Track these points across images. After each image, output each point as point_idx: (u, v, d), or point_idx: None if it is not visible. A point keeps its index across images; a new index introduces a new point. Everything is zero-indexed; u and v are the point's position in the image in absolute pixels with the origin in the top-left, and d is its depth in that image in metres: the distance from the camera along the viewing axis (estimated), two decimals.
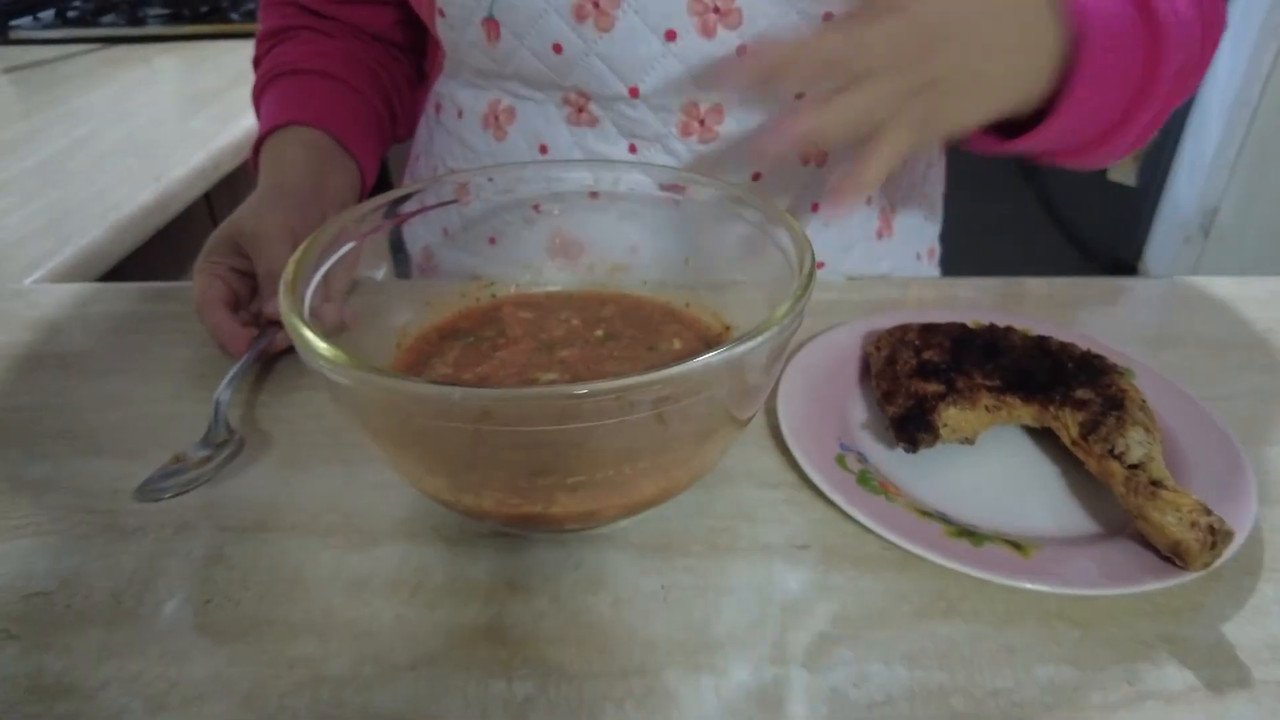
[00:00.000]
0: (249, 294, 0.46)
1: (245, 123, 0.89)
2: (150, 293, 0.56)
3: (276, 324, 0.44)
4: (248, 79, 1.04)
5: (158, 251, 0.76)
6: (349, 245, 0.35)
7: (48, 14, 1.33)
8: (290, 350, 0.47)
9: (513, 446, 0.28)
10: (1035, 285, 0.54)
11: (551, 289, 0.44)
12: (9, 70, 1.14)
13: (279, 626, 0.31)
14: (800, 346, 0.44)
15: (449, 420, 0.26)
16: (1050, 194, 2.35)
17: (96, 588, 0.33)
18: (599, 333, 0.40)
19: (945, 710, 0.28)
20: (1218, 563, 0.31)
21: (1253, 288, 0.54)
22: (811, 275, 0.31)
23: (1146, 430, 0.35)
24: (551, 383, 0.36)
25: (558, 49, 0.49)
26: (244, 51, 1.18)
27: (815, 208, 0.55)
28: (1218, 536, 0.30)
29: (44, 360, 0.48)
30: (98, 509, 0.37)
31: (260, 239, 0.44)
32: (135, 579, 0.33)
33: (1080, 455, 0.35)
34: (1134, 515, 0.32)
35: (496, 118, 0.55)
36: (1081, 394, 0.36)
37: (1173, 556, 0.31)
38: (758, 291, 0.37)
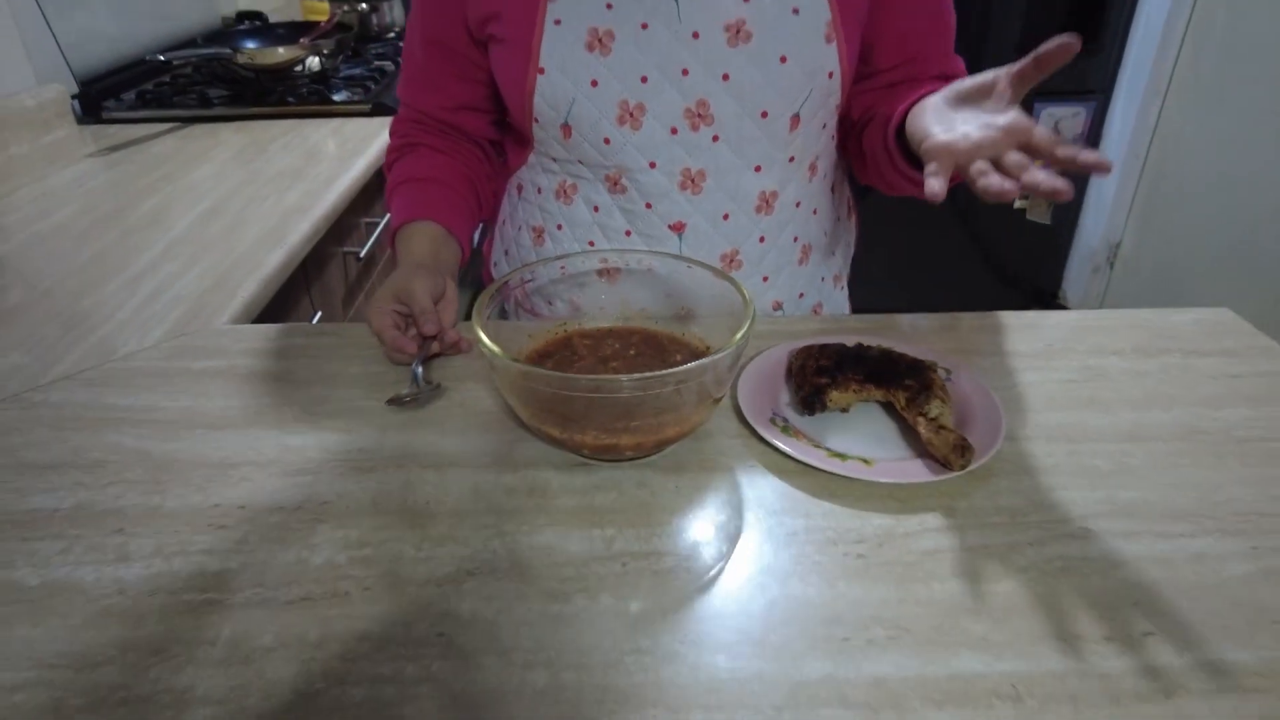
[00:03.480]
0: (405, 325, 0.73)
1: (330, 197, 1.16)
2: (313, 330, 0.82)
3: (429, 339, 0.71)
4: (320, 157, 1.31)
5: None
6: (498, 302, 0.63)
7: (129, 96, 1.59)
8: (434, 356, 0.74)
9: (605, 406, 0.55)
10: (900, 319, 0.83)
11: (600, 325, 0.71)
12: (105, 151, 1.39)
13: (473, 514, 0.57)
14: (751, 358, 0.72)
15: (575, 392, 0.54)
16: (980, 234, 2.68)
17: (360, 497, 0.59)
18: (632, 352, 0.68)
19: (827, 538, 0.55)
20: (972, 467, 0.59)
21: (1051, 318, 0.83)
22: (753, 321, 0.58)
23: (942, 401, 0.63)
24: None
25: (607, 141, 0.78)
26: (305, 131, 1.46)
27: (762, 239, 0.84)
28: (965, 454, 0.58)
29: (265, 376, 0.74)
30: (339, 459, 0.63)
31: (413, 293, 0.71)
32: (377, 494, 0.60)
33: (905, 415, 0.63)
34: (928, 444, 0.60)
35: (565, 192, 0.84)
36: (909, 382, 0.64)
37: (945, 463, 0.59)
38: (724, 326, 0.64)
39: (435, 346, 0.73)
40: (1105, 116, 2.53)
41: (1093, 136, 2.55)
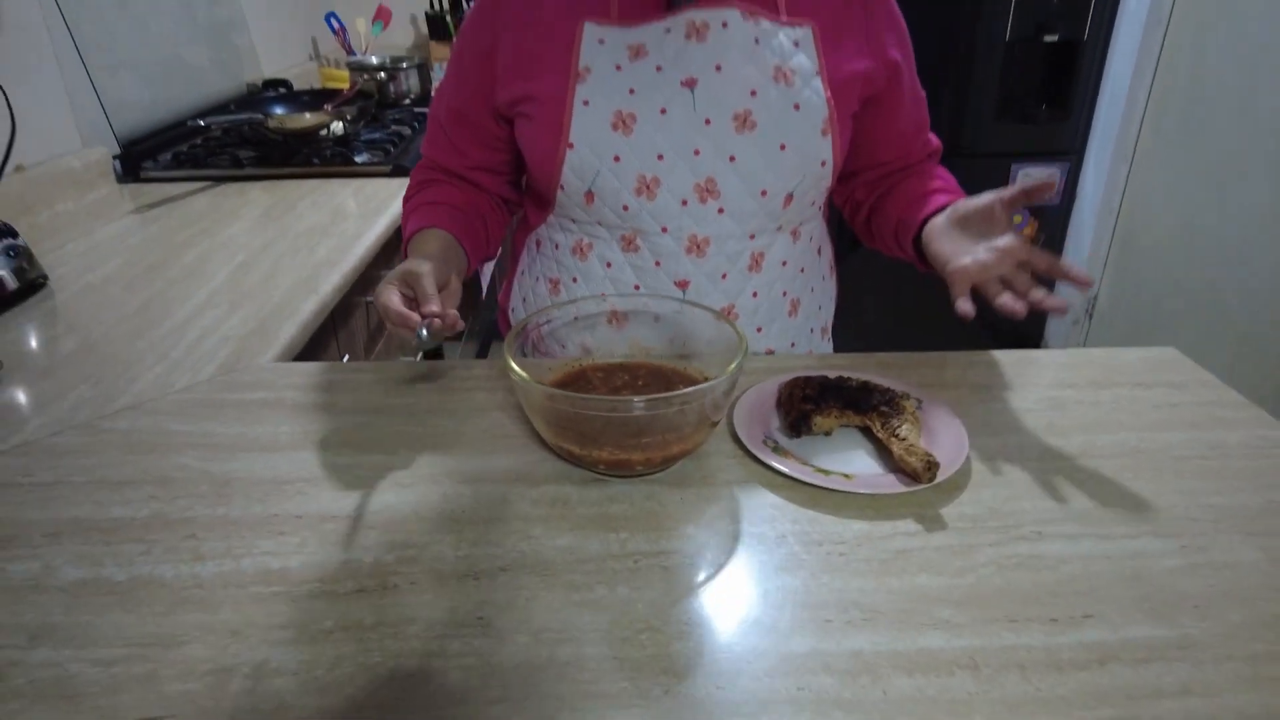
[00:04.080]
0: (409, 305, 0.77)
1: (358, 251, 1.26)
2: (350, 367, 0.91)
3: (430, 316, 0.74)
4: (345, 215, 1.42)
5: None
6: (519, 342, 0.72)
7: (165, 157, 1.70)
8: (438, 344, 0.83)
9: (619, 424, 0.63)
10: (877, 356, 0.92)
11: (611, 361, 0.80)
12: (142, 208, 1.49)
13: (504, 521, 0.65)
14: (745, 390, 0.81)
15: (593, 411, 0.62)
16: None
17: (402, 508, 0.67)
18: (640, 382, 0.76)
19: (812, 540, 0.63)
20: (938, 481, 0.67)
21: (1015, 356, 0.92)
22: (745, 355, 0.67)
23: (912, 424, 0.71)
24: None
25: (625, 209, 0.87)
26: (330, 190, 1.57)
27: (755, 294, 0.94)
28: (932, 469, 0.66)
29: (310, 407, 0.82)
30: (382, 476, 0.71)
31: (420, 277, 0.75)
32: (418, 505, 0.68)
33: (881, 436, 0.72)
34: (900, 460, 0.68)
35: (581, 249, 0.93)
36: (884, 409, 0.73)
37: (914, 477, 0.67)
38: (720, 361, 0.73)
39: (436, 324, 0.76)
40: (1079, 177, 2.67)
41: (1068, 196, 2.69)
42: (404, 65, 2.20)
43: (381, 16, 2.73)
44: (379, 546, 0.63)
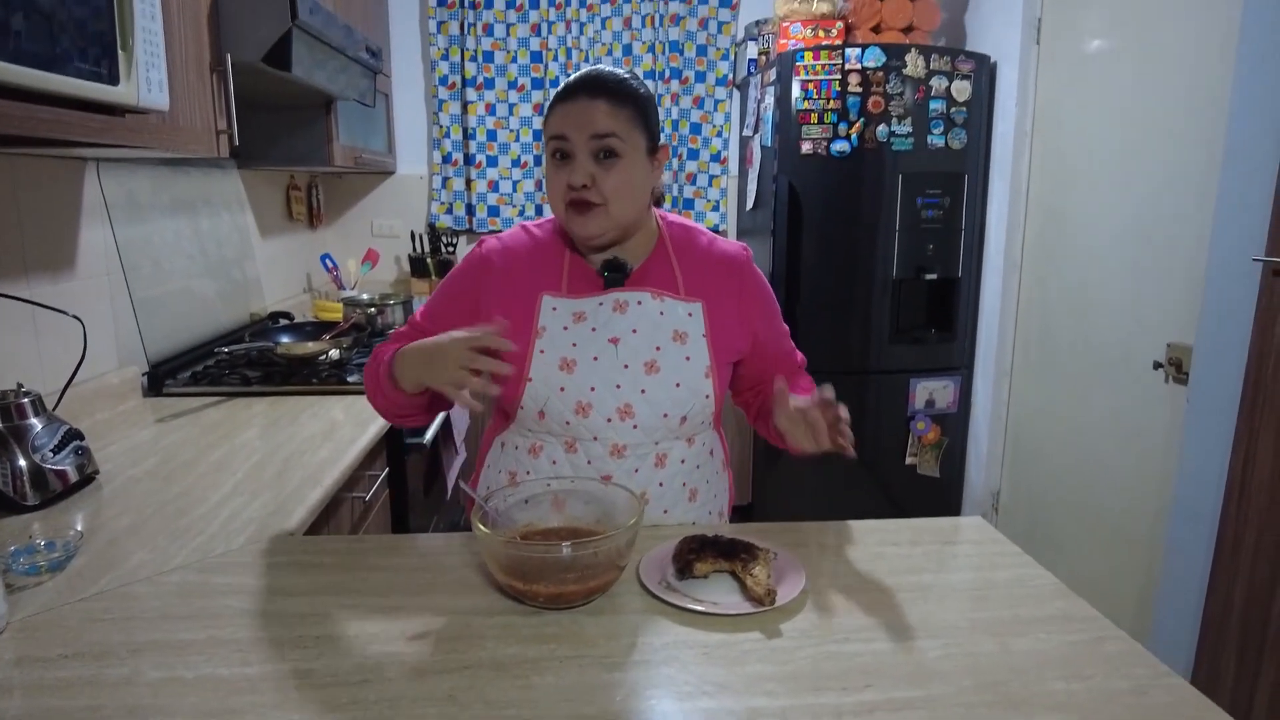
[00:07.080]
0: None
1: (352, 453, 1.55)
2: (353, 539, 1.18)
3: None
4: (340, 425, 1.71)
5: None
6: (482, 510, 1.01)
7: (184, 375, 2.01)
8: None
9: (552, 563, 0.91)
10: (758, 525, 1.21)
11: (549, 527, 1.09)
12: (166, 418, 1.78)
13: (467, 638, 0.91)
14: (650, 548, 1.09)
15: (534, 554, 0.90)
16: (885, 488, 3.13)
17: (395, 631, 0.93)
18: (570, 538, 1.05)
19: (686, 646, 0.89)
20: (778, 604, 0.95)
21: (857, 525, 1.22)
22: (640, 516, 0.97)
23: (764, 567, 1.00)
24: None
25: (567, 423, 1.19)
26: (324, 405, 1.88)
27: (660, 484, 1.23)
28: (771, 595, 0.95)
29: (322, 566, 1.08)
30: (381, 610, 0.97)
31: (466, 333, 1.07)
32: (405, 628, 0.93)
33: (740, 576, 1.00)
34: (751, 590, 0.96)
35: (534, 450, 1.24)
36: (744, 556, 1.02)
37: (760, 602, 0.95)
38: (630, 522, 1.02)
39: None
40: (970, 389, 3.10)
41: (964, 404, 3.10)
42: (391, 301, 2.61)
43: (370, 258, 3.19)
44: (378, 654, 0.88)
